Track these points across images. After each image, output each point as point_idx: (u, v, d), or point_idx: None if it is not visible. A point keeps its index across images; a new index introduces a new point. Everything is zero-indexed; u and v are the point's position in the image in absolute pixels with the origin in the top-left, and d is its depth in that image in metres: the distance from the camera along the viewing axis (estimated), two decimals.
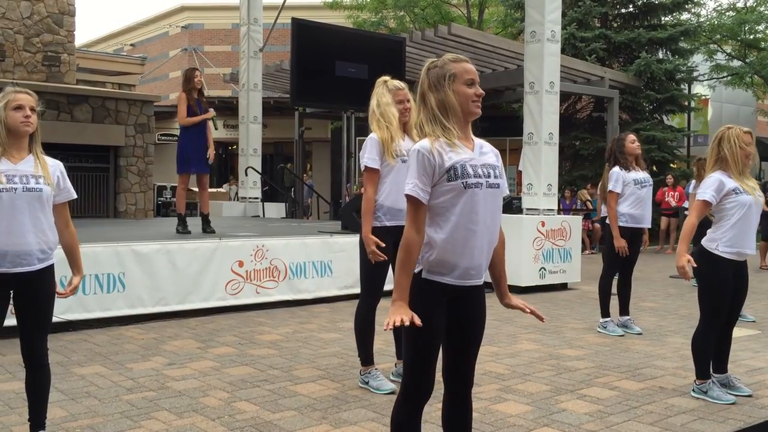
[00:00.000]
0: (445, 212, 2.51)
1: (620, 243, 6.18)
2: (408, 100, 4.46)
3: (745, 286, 4.43)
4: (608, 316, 6.40)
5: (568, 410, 4.09)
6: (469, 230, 2.51)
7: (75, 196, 3.40)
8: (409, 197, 2.50)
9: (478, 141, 2.64)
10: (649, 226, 6.45)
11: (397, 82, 4.51)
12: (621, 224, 6.25)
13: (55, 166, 3.32)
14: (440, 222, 2.52)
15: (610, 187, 6.29)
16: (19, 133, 3.20)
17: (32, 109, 3.22)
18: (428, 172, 2.49)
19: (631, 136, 6.44)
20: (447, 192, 2.49)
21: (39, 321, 3.27)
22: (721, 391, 4.31)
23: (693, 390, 4.41)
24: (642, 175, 6.34)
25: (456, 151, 2.51)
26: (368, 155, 4.34)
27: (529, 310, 2.66)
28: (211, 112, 8.00)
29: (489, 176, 2.55)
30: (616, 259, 6.31)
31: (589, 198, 15.20)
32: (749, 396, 4.38)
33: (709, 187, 4.28)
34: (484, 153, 2.61)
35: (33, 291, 3.22)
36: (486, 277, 2.67)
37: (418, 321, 2.42)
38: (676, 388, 4.59)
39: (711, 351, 4.39)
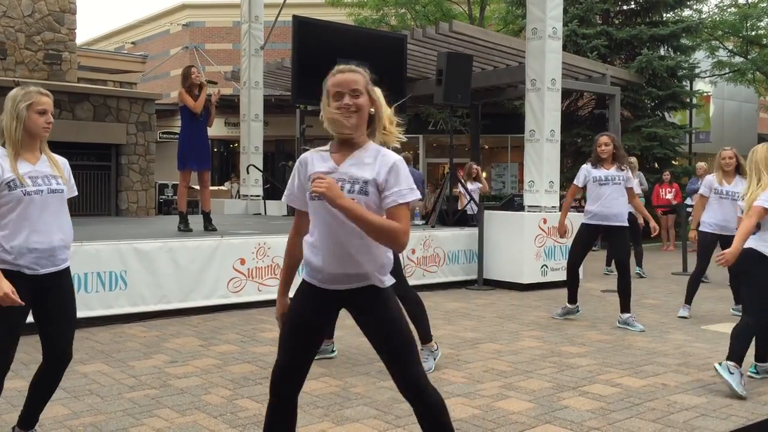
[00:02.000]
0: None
1: (562, 230, 6.66)
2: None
3: None
4: (629, 311, 6.46)
5: (571, 407, 4.10)
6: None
7: (76, 192, 3.41)
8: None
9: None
10: (615, 224, 6.46)
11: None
12: (586, 221, 6.57)
13: (65, 163, 3.33)
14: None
15: (575, 180, 6.68)
16: (37, 136, 3.19)
17: (51, 114, 3.22)
18: None
19: (603, 138, 6.63)
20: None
21: (70, 317, 3.27)
22: (741, 384, 4.32)
23: (720, 363, 4.42)
24: (604, 172, 6.50)
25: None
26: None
27: None
28: (207, 88, 7.96)
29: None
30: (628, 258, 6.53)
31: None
32: None
33: None
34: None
35: (59, 289, 3.21)
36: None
37: None
38: (679, 384, 4.59)
39: (750, 341, 4.56)
